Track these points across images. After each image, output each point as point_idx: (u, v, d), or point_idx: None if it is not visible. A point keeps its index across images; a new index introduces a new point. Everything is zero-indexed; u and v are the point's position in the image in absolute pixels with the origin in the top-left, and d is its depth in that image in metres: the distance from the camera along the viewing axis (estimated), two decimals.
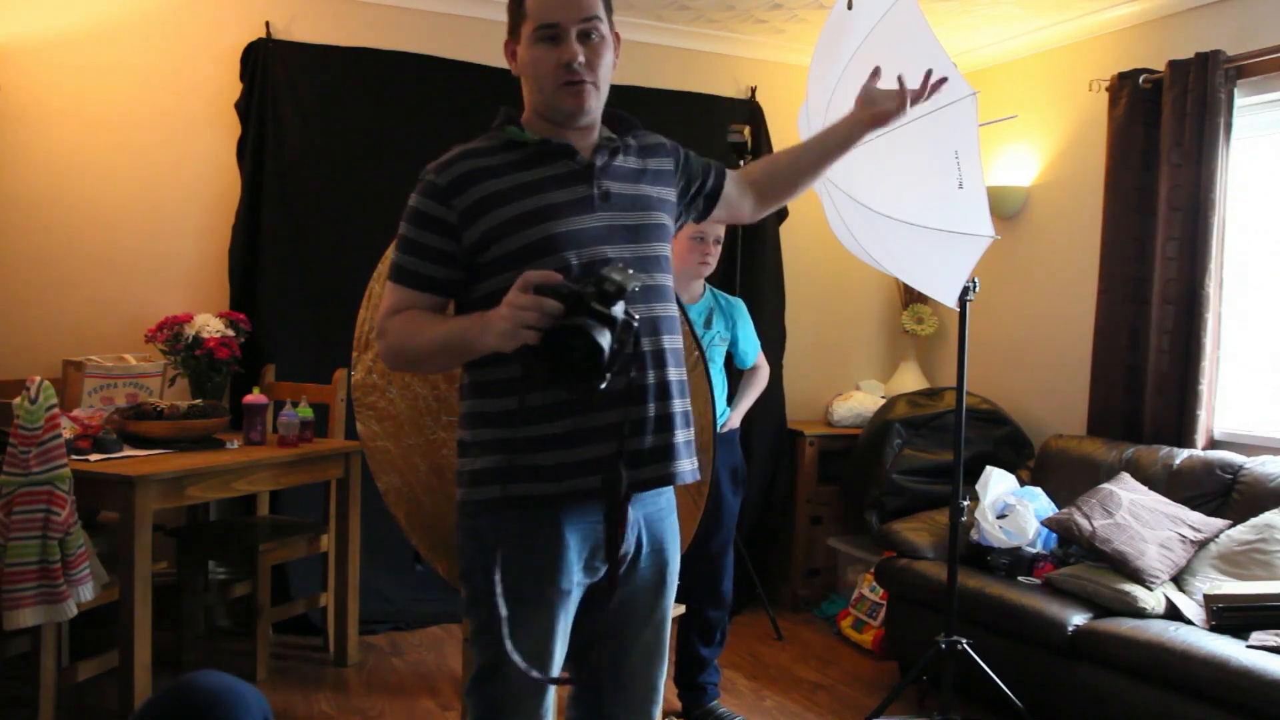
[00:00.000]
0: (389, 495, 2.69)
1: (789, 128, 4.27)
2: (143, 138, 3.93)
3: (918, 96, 1.87)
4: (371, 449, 2.66)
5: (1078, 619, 3.05)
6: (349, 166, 4.09)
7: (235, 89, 4.02)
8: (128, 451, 3.16)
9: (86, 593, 2.78)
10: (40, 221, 3.81)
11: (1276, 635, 2.72)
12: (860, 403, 4.73)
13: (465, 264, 1.63)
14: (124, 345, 3.78)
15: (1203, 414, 3.61)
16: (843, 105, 2.51)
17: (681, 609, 3.08)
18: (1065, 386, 4.28)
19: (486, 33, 4.23)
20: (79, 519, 2.76)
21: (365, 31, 4.14)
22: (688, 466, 1.69)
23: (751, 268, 4.56)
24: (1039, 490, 3.66)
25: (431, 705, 3.39)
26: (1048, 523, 3.43)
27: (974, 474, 3.72)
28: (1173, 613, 3.03)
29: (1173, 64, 3.68)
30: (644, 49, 4.56)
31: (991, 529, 3.49)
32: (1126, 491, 3.36)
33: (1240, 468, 3.37)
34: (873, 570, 3.95)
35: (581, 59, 1.62)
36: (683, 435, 1.68)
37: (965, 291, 2.91)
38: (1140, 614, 3.00)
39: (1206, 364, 3.59)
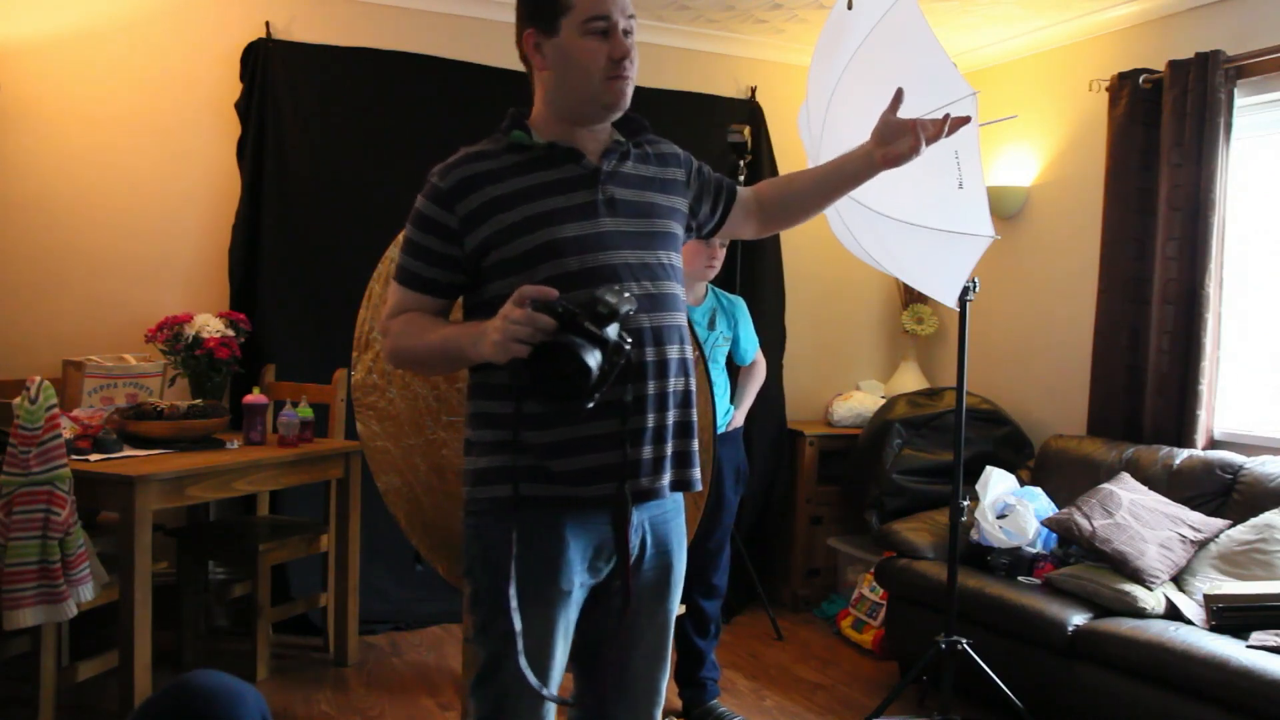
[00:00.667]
0: (389, 495, 2.69)
1: (789, 128, 4.28)
2: (143, 138, 3.93)
3: (934, 137, 1.82)
4: (371, 449, 2.67)
5: (1078, 619, 3.05)
6: (349, 166, 4.09)
7: (235, 89, 4.02)
8: (128, 451, 3.16)
9: (86, 593, 2.78)
10: (40, 222, 3.81)
11: (1276, 635, 2.72)
12: (860, 403, 4.73)
13: (469, 268, 1.64)
14: (124, 345, 3.78)
15: (1203, 414, 3.61)
16: (843, 105, 2.51)
17: (680, 609, 3.07)
18: (1065, 386, 4.28)
19: (486, 33, 4.23)
20: (79, 519, 2.76)
21: (365, 31, 4.14)
22: (689, 477, 1.69)
23: (751, 268, 4.56)
24: (1039, 490, 3.66)
25: (431, 705, 3.39)
26: (1048, 523, 3.43)
27: (974, 474, 3.72)
28: (1173, 613, 3.02)
29: (1173, 64, 3.68)
30: (644, 49, 4.47)
31: (991, 529, 3.49)
32: (1126, 491, 3.36)
33: (1240, 468, 3.37)
34: (873, 570, 3.95)
35: (631, 54, 1.64)
36: (684, 445, 1.68)
37: (965, 291, 2.91)
38: (1140, 614, 3.00)
39: (1206, 364, 3.59)
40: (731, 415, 3.32)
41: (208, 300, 4.00)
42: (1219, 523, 3.25)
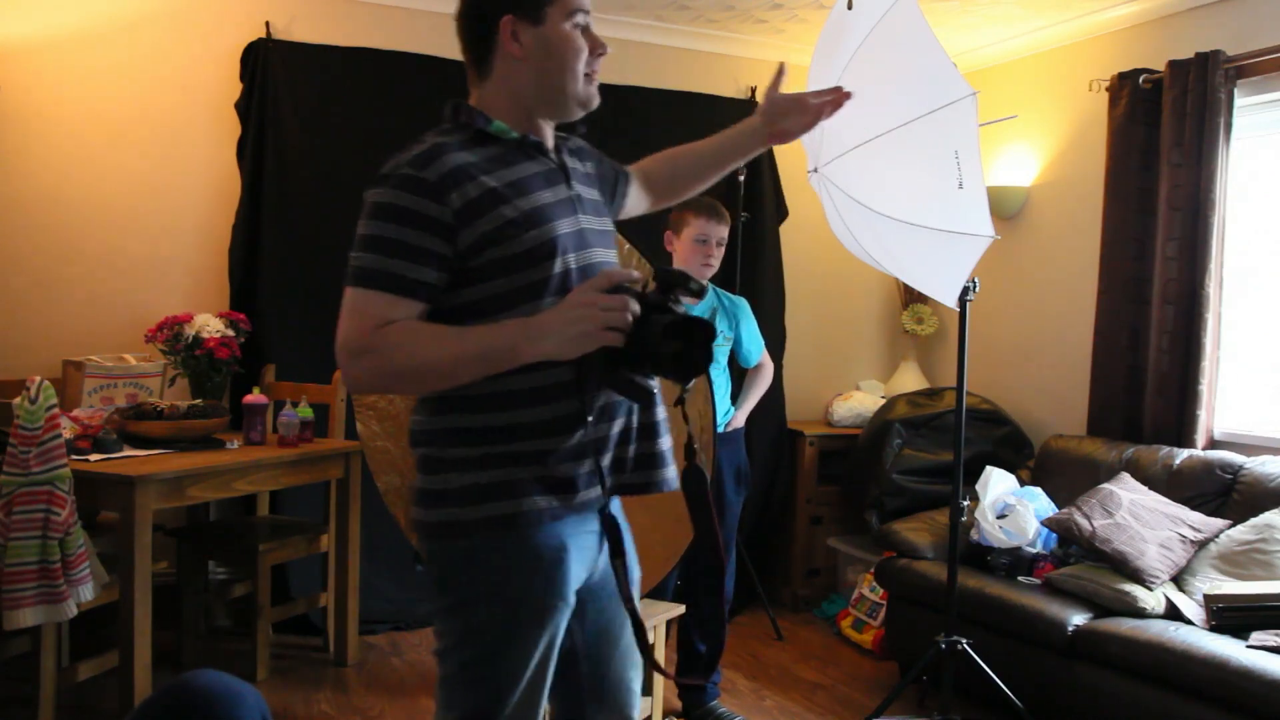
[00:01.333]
0: (389, 495, 2.69)
1: None
2: (143, 138, 3.94)
3: (821, 112, 1.86)
4: (371, 449, 2.67)
5: (1078, 619, 3.05)
6: (349, 166, 4.08)
7: (235, 89, 4.02)
8: (128, 451, 3.16)
9: (86, 593, 2.78)
10: (40, 222, 3.82)
11: (1276, 635, 2.72)
12: (860, 403, 4.73)
13: (454, 267, 1.48)
14: (124, 345, 3.78)
15: (1203, 414, 3.61)
16: (843, 106, 2.51)
17: (679, 609, 3.08)
18: (1065, 386, 4.27)
19: None
20: (79, 519, 2.76)
21: (365, 31, 4.14)
22: (671, 474, 1.66)
23: (752, 268, 4.56)
24: (1039, 490, 3.66)
25: (431, 705, 3.38)
26: (1048, 523, 3.43)
27: (974, 474, 3.72)
28: (1173, 613, 3.02)
29: (1173, 64, 3.68)
30: (644, 49, 4.56)
31: (991, 529, 3.49)
32: (1126, 491, 3.36)
33: (1240, 468, 3.37)
34: (873, 570, 3.95)
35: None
36: (666, 443, 1.65)
37: (965, 291, 2.91)
38: (1140, 614, 3.00)
39: (1206, 364, 3.59)
40: (732, 415, 3.31)
41: (208, 300, 4.00)
42: (1219, 523, 3.25)
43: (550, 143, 1.63)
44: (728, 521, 3.26)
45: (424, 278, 1.46)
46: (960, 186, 2.53)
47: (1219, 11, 3.70)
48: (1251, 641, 2.73)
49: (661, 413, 1.65)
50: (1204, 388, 3.60)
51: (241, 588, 3.85)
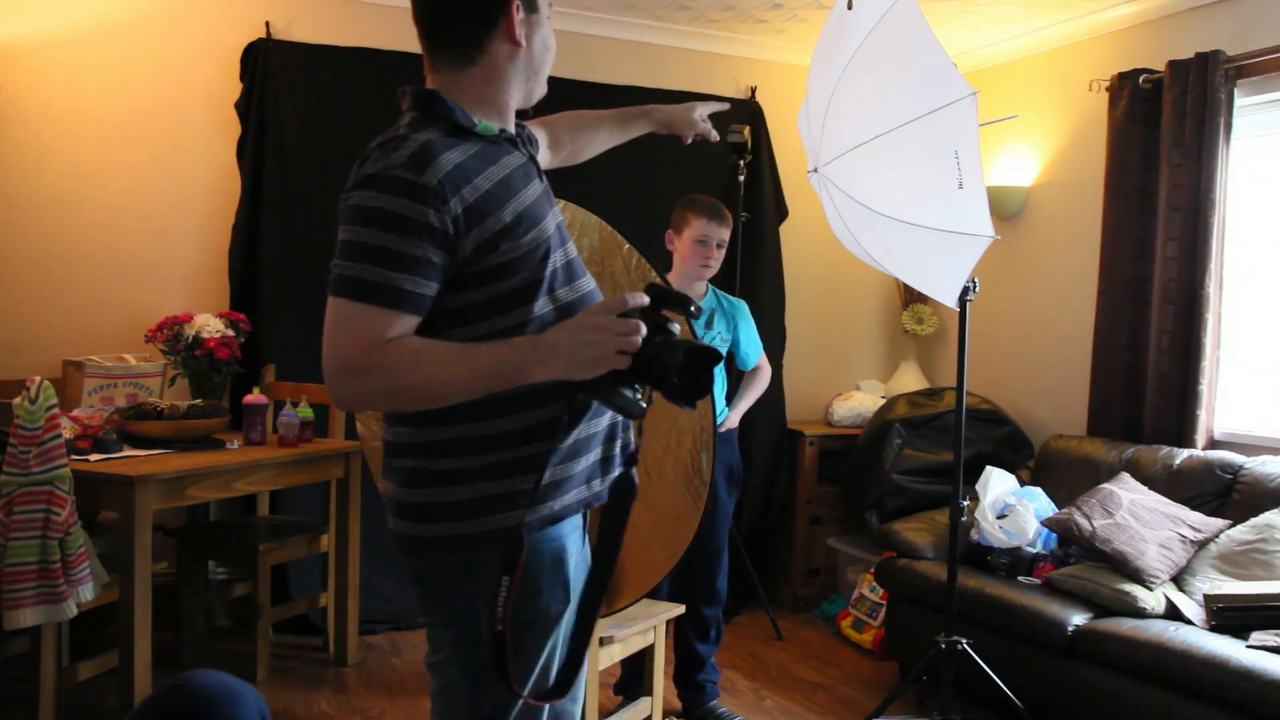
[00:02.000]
0: None
1: (789, 128, 4.27)
2: (143, 138, 3.94)
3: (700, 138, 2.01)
4: (371, 449, 2.67)
5: (1078, 619, 3.05)
6: (349, 166, 4.07)
7: (235, 89, 4.02)
8: (128, 451, 3.16)
9: (86, 593, 2.78)
10: (40, 221, 3.82)
11: (1276, 635, 2.72)
12: (860, 403, 4.73)
13: (449, 275, 1.41)
14: (124, 345, 3.78)
15: (1203, 414, 3.61)
16: (843, 106, 2.51)
17: (680, 609, 3.08)
18: (1065, 386, 4.27)
19: None
20: (79, 519, 2.76)
21: (365, 31, 4.14)
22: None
23: (752, 268, 4.56)
24: (1039, 490, 3.66)
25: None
26: (1048, 523, 3.43)
27: (974, 474, 3.72)
28: (1173, 613, 3.02)
29: (1173, 64, 3.68)
30: (644, 49, 4.56)
31: (991, 529, 3.49)
32: (1126, 491, 3.36)
33: (1240, 468, 3.37)
34: (873, 570, 3.95)
35: None
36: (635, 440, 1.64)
37: (965, 291, 2.91)
38: (1140, 614, 3.00)
39: (1206, 364, 3.59)
40: (725, 416, 3.31)
41: (208, 300, 4.00)
42: (1219, 523, 3.25)
43: (512, 131, 1.57)
44: (720, 522, 3.25)
45: (423, 290, 1.37)
46: (960, 186, 2.53)
47: (1219, 11, 3.70)
48: (1251, 641, 2.73)
49: None
50: (1204, 388, 3.60)
51: (241, 588, 3.85)
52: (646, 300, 1.39)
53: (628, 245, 2.56)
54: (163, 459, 3.09)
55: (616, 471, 1.59)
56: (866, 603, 4.15)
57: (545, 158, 1.85)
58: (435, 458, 1.46)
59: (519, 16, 1.49)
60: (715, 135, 2.05)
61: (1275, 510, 3.14)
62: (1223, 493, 3.36)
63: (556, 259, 1.50)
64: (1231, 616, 2.87)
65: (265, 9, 4.03)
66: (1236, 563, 3.10)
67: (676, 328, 1.43)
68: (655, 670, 3.01)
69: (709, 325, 3.22)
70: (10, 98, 3.74)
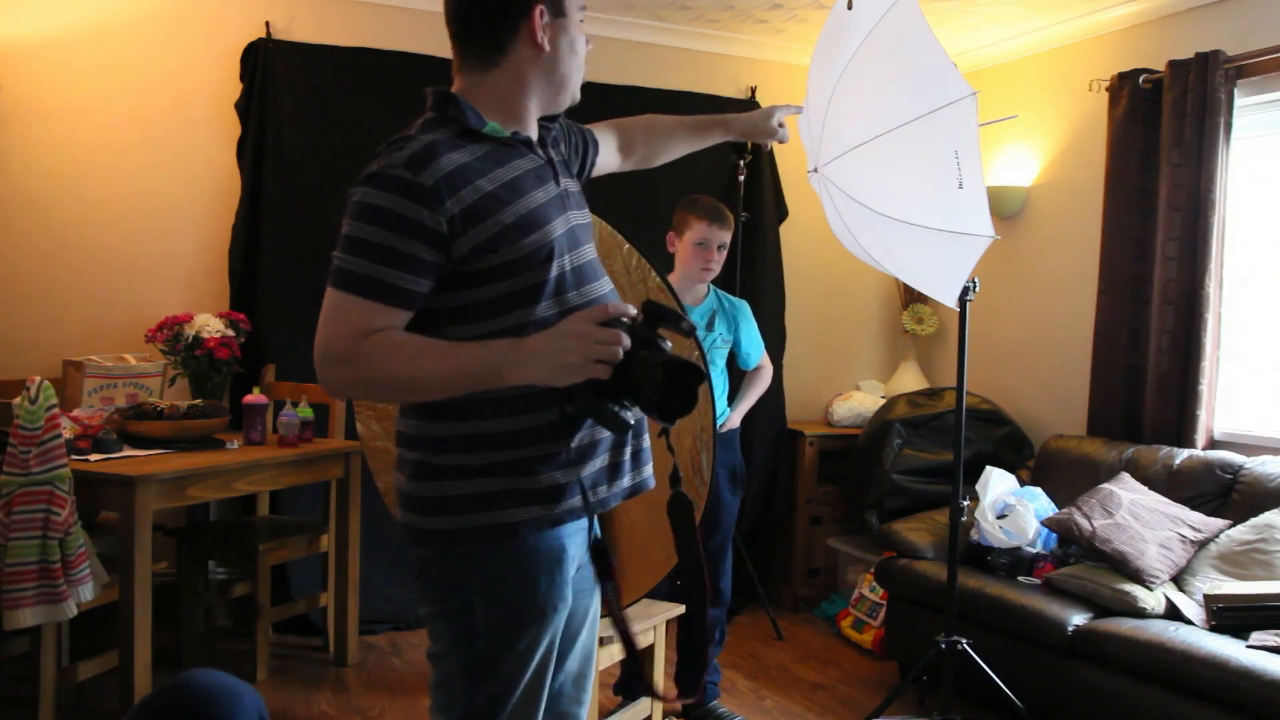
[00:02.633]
0: (389, 495, 2.69)
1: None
2: (143, 138, 3.94)
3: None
4: (371, 449, 2.67)
5: (1078, 619, 3.05)
6: (349, 166, 4.06)
7: (235, 89, 4.02)
8: (128, 451, 3.16)
9: (86, 593, 2.78)
10: (40, 221, 3.82)
11: (1276, 635, 2.72)
12: (860, 403, 4.73)
13: (444, 275, 1.43)
14: (124, 345, 3.78)
15: (1203, 414, 3.61)
16: (843, 106, 2.51)
17: (681, 609, 3.08)
18: (1065, 386, 4.27)
19: None
20: (79, 519, 2.76)
21: (365, 31, 4.14)
22: (650, 472, 1.66)
23: (752, 268, 4.56)
24: (1039, 490, 3.66)
25: None
26: (1048, 523, 3.43)
27: (974, 474, 3.72)
28: (1173, 613, 3.02)
29: (1173, 64, 3.68)
30: (644, 49, 4.55)
31: (991, 529, 3.49)
32: (1126, 491, 3.36)
33: (1240, 468, 3.37)
34: (873, 570, 3.95)
35: None
36: (648, 439, 1.64)
37: (965, 291, 2.91)
38: (1140, 614, 3.00)
39: (1206, 364, 3.59)
40: (727, 417, 3.31)
41: (208, 300, 4.00)
42: (1219, 523, 3.25)
43: (535, 136, 1.59)
44: (724, 522, 3.25)
45: (411, 286, 1.40)
46: (960, 186, 2.53)
47: (1219, 11, 3.70)
48: (1251, 641, 2.73)
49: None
50: (1204, 388, 3.60)
51: (241, 588, 3.85)
52: (632, 310, 1.40)
53: (628, 245, 2.56)
54: (163, 459, 3.09)
55: (626, 479, 1.59)
56: (866, 603, 4.15)
57: (614, 161, 1.87)
58: (439, 452, 1.48)
59: (543, 20, 1.49)
60: (789, 137, 2.10)
61: (1275, 510, 3.14)
62: (1223, 493, 3.36)
63: (565, 262, 1.51)
64: (1231, 616, 2.87)
65: (265, 9, 4.03)
66: (1236, 563, 3.10)
67: (669, 344, 1.42)
68: (655, 670, 3.01)
69: (709, 327, 3.22)
70: (10, 98, 3.74)
